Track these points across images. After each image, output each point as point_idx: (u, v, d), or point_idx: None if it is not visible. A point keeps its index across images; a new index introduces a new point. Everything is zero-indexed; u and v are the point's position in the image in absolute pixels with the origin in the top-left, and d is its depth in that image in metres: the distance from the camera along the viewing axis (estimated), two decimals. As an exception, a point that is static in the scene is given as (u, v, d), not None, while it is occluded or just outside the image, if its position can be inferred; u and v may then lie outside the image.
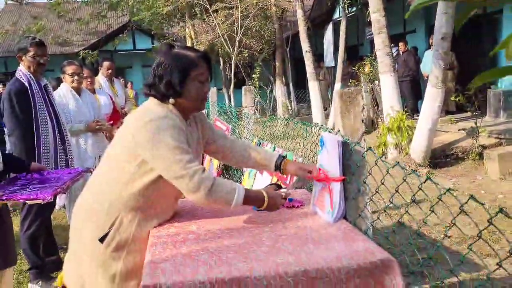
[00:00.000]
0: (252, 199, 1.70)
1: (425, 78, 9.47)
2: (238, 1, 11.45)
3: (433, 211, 1.24)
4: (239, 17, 11.41)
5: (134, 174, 1.65)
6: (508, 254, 1.07)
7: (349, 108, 1.69)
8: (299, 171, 1.88)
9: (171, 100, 1.69)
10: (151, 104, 1.71)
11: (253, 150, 1.99)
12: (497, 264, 1.12)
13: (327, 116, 11.14)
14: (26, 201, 1.88)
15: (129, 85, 15.08)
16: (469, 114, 7.83)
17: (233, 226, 1.76)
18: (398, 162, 1.43)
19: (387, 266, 1.36)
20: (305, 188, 2.31)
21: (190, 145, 1.71)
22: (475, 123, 6.52)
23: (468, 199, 1.11)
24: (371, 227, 1.61)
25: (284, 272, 1.32)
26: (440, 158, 6.78)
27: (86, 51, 17.34)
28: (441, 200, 1.25)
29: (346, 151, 1.66)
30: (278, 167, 1.92)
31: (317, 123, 2.23)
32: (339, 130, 1.74)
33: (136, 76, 20.86)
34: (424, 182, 1.19)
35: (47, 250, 3.39)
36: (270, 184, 1.87)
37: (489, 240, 3.75)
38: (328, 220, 1.74)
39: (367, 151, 1.48)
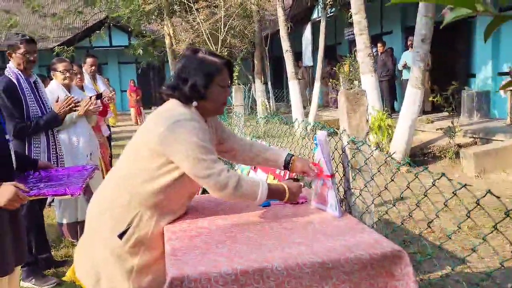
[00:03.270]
0: (274, 192, 1.79)
1: (402, 67, 9.74)
2: (222, 1, 11.46)
3: (440, 206, 1.33)
4: (223, 16, 11.43)
5: (156, 173, 1.70)
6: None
7: (354, 108, 1.78)
8: (306, 168, 1.96)
9: (194, 103, 1.75)
10: (175, 106, 1.76)
11: (260, 147, 2.07)
12: (500, 264, 1.22)
13: (306, 114, 11.27)
14: (55, 197, 1.89)
15: (106, 81, 14.92)
16: (444, 114, 8.10)
17: (242, 221, 1.83)
18: (410, 163, 1.51)
19: (397, 256, 1.45)
20: (305, 185, 2.39)
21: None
22: (452, 123, 6.75)
23: (486, 193, 1.20)
24: (376, 221, 1.70)
25: (302, 263, 1.39)
26: (419, 156, 6.99)
27: (61, 47, 17.01)
28: (456, 195, 1.33)
29: (352, 149, 1.75)
30: (287, 164, 1.99)
31: (318, 123, 2.31)
32: (344, 129, 1.83)
33: (112, 72, 20.61)
34: (439, 178, 1.28)
35: (39, 248, 3.37)
36: (288, 179, 1.94)
37: (468, 234, 3.92)
38: (334, 215, 1.82)
39: (376, 149, 1.57)
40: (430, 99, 7.42)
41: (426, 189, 1.31)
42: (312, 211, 1.93)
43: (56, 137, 3.45)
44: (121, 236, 1.69)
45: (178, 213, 1.84)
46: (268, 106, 14.04)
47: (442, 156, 6.80)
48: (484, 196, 1.17)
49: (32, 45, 3.25)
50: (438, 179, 1.24)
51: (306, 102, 13.79)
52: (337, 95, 8.04)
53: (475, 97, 8.69)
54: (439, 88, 7.49)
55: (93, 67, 5.20)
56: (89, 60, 5.21)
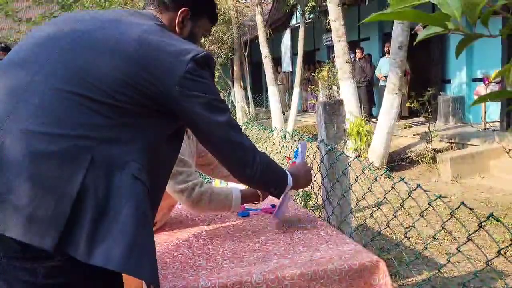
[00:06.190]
0: (248, 196, 1.78)
1: (380, 79, 9.87)
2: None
3: (415, 210, 1.35)
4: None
5: None
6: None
7: (332, 119, 1.80)
8: None
9: None
10: None
11: None
12: (474, 274, 1.25)
13: (285, 120, 11.32)
14: None
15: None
16: (421, 119, 8.23)
17: (222, 232, 1.82)
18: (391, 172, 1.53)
19: (375, 266, 1.46)
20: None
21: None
22: (429, 128, 6.86)
23: (460, 206, 1.23)
24: (353, 231, 1.71)
25: (282, 275, 1.39)
26: (396, 161, 7.09)
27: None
28: (432, 206, 1.37)
29: (330, 159, 1.76)
30: None
31: (296, 131, 2.32)
32: (322, 139, 1.84)
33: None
34: (415, 189, 1.30)
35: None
36: None
37: (444, 239, 4.00)
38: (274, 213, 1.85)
39: (354, 160, 1.59)
40: (408, 104, 7.54)
41: (402, 200, 1.33)
42: (292, 221, 1.93)
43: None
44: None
45: (157, 226, 1.82)
46: (247, 111, 14.07)
47: (419, 161, 6.91)
48: (457, 208, 1.20)
49: (8, 52, 3.20)
50: (414, 189, 1.27)
51: (285, 108, 13.89)
52: (316, 100, 8.15)
53: (451, 102, 8.87)
54: (416, 94, 7.61)
55: None
56: None
